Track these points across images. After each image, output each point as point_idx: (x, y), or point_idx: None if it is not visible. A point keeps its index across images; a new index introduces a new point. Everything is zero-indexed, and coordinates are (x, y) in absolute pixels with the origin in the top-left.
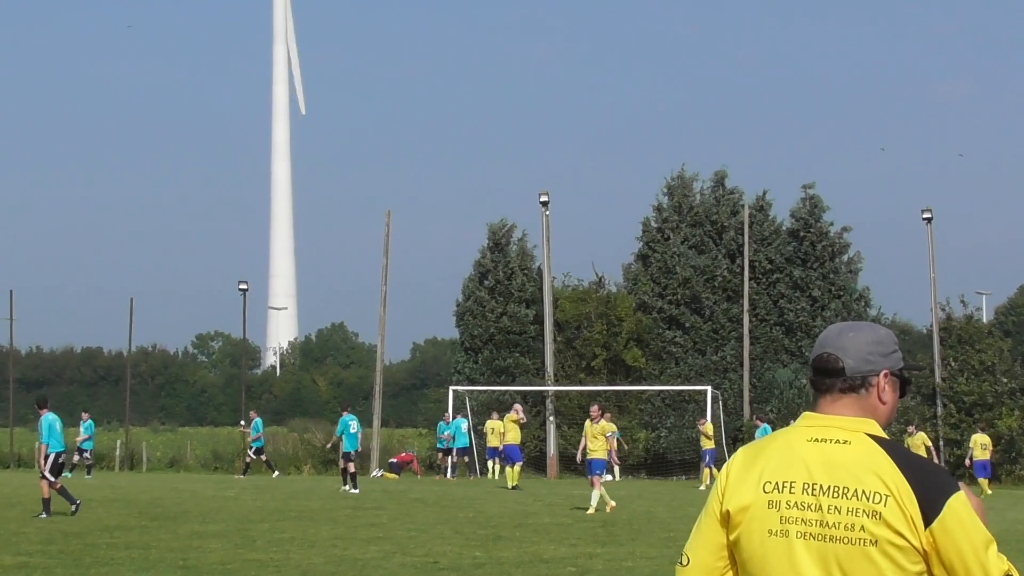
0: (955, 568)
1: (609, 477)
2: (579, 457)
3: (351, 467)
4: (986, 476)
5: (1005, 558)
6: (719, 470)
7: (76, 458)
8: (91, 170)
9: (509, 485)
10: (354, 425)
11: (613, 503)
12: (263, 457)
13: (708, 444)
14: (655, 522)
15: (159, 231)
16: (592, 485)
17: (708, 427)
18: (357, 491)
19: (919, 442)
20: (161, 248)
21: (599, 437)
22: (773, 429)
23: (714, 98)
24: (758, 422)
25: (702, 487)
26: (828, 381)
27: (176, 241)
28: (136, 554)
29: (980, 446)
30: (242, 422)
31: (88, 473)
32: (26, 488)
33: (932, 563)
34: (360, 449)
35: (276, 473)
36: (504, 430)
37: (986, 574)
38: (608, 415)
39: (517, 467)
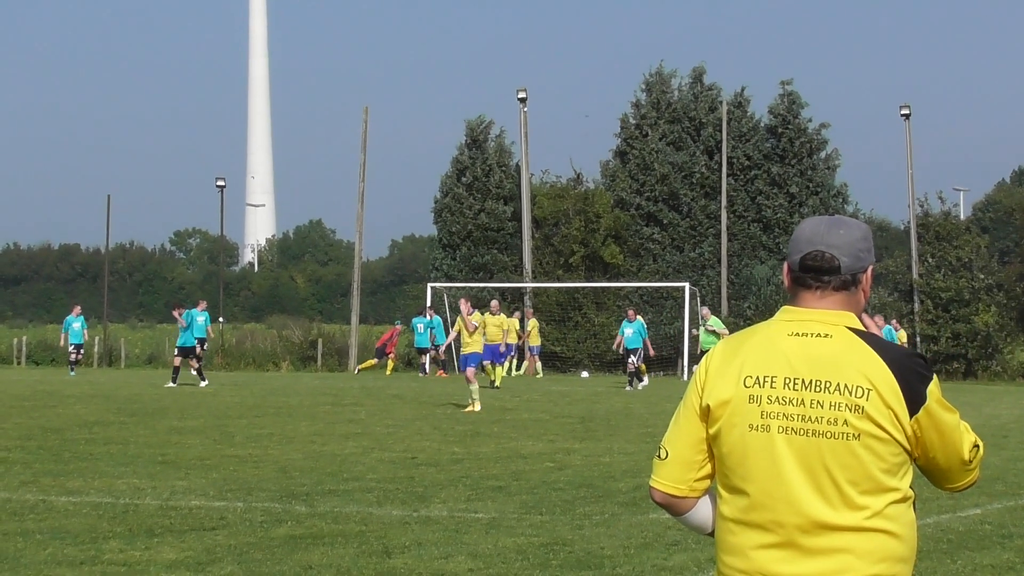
0: (936, 450)
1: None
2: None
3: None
4: None
5: (969, 427)
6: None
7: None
8: (69, 66)
9: (497, 383)
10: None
11: (477, 407)
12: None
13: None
14: (632, 417)
15: (137, 128)
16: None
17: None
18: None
19: (901, 338)
20: (138, 145)
21: (474, 333)
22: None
23: None
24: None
25: None
26: (824, 279)
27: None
28: (115, 449)
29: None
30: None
31: (72, 370)
32: (4, 384)
33: (913, 448)
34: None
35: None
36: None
37: (961, 449)
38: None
39: (500, 367)
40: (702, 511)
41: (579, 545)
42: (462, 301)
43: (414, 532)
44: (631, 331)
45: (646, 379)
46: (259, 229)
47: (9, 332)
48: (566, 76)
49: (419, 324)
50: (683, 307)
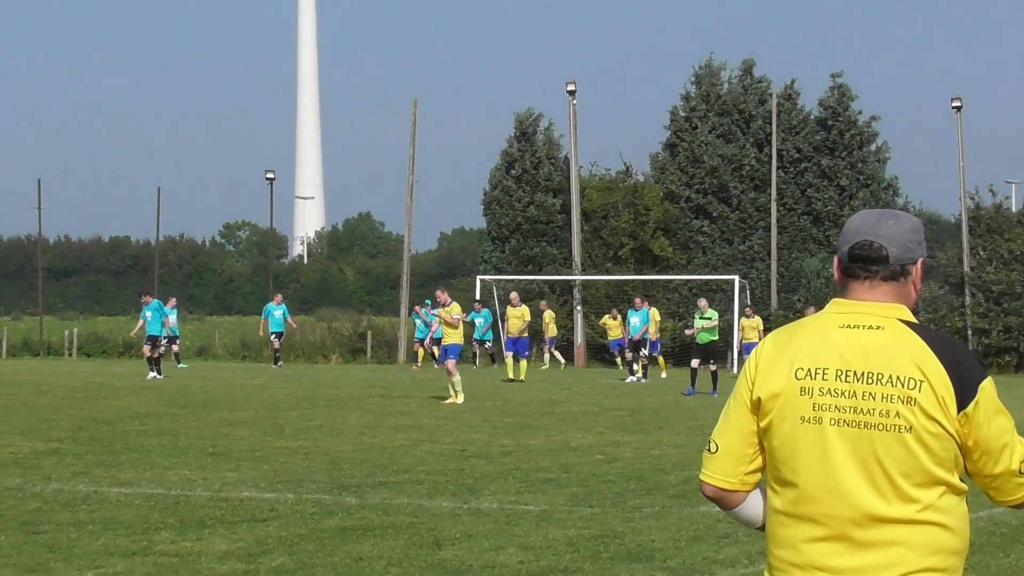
0: (983, 451)
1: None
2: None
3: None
4: None
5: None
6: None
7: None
8: (121, 59)
9: (521, 377)
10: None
11: (460, 399)
12: (174, 347)
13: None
14: (682, 411)
15: (187, 121)
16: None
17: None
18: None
19: (754, 325)
20: (188, 138)
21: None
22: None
23: None
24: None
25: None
26: (872, 269)
27: (203, 131)
28: (166, 441)
29: (751, 328)
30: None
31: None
32: (56, 376)
33: (962, 446)
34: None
35: (182, 365)
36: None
37: (1012, 456)
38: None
39: (524, 362)
40: (752, 505)
41: (630, 538)
42: (439, 291)
43: (464, 524)
44: (637, 320)
45: (638, 374)
46: (308, 222)
47: (60, 324)
48: (615, 69)
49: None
50: (732, 300)
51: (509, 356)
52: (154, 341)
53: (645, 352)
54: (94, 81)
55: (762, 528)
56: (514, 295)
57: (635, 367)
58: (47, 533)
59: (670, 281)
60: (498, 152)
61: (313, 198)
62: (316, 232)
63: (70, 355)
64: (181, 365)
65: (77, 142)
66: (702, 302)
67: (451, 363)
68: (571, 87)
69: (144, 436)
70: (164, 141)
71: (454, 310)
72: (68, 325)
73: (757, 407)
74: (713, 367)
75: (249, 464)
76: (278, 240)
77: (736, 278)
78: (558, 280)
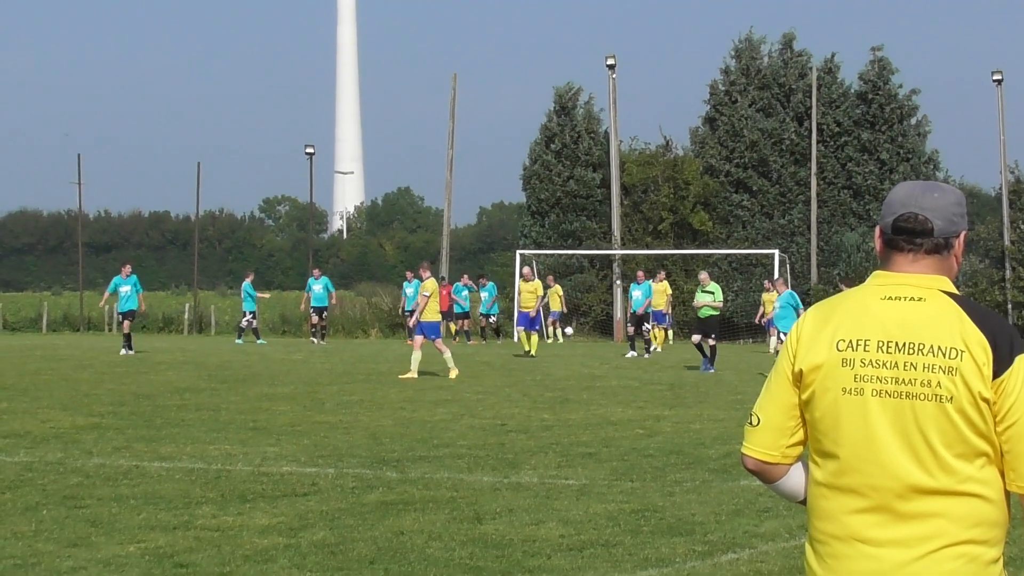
0: (1012, 422)
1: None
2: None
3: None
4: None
5: None
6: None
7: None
8: (159, 34)
9: (532, 352)
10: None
11: (413, 374)
12: (254, 323)
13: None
14: (722, 385)
15: (227, 96)
16: (416, 347)
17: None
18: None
19: (662, 289)
20: (228, 112)
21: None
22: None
23: None
24: None
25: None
26: (916, 242)
27: (243, 105)
28: (206, 416)
29: (769, 303)
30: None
31: (239, 337)
32: (96, 351)
33: (994, 415)
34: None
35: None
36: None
37: None
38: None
39: (534, 335)
40: (794, 478)
41: (670, 512)
42: (422, 266)
43: (505, 498)
44: (639, 293)
45: (635, 350)
46: (348, 196)
47: (100, 299)
48: (655, 43)
49: (482, 293)
50: (773, 274)
51: (521, 331)
52: (130, 316)
53: (648, 327)
54: (134, 56)
55: (803, 502)
56: (527, 270)
57: (638, 343)
58: (89, 507)
59: (710, 255)
60: (538, 126)
61: (352, 173)
62: (356, 207)
63: (110, 330)
64: (260, 341)
65: (117, 117)
66: (703, 275)
67: (439, 343)
68: (611, 61)
69: (185, 411)
70: (204, 115)
71: (427, 286)
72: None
73: (799, 379)
74: (712, 342)
75: (290, 439)
76: (318, 215)
77: (776, 252)
78: (598, 255)
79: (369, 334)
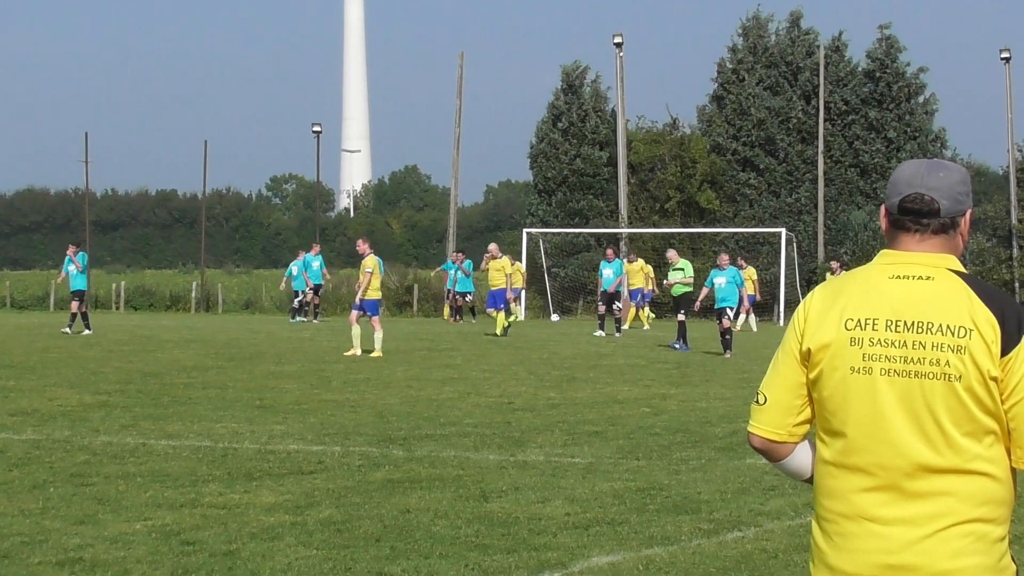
0: (1015, 400)
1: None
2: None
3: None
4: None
5: None
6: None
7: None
8: (167, 12)
9: (497, 331)
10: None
11: (356, 351)
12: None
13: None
14: (728, 363)
15: (234, 74)
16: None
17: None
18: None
19: (638, 268)
20: (235, 91)
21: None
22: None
23: None
24: None
25: (646, 327)
26: (923, 221)
27: (250, 84)
28: (213, 394)
29: (750, 280)
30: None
31: (305, 317)
32: (104, 329)
33: (1001, 392)
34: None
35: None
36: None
37: None
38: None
39: (501, 314)
40: (800, 457)
41: (676, 490)
42: (360, 240)
43: (511, 476)
44: (610, 272)
45: (603, 329)
46: (355, 175)
47: (107, 277)
48: (662, 21)
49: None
50: (779, 253)
51: (492, 311)
52: (80, 296)
53: (618, 305)
54: (141, 34)
55: (809, 480)
56: (493, 246)
57: (608, 321)
58: (96, 485)
59: (717, 234)
60: (545, 105)
61: (360, 151)
62: (363, 185)
63: (117, 308)
64: (316, 320)
65: (124, 96)
66: (670, 253)
67: (354, 315)
68: (618, 39)
69: (191, 389)
70: (211, 94)
71: (368, 263)
72: (115, 278)
73: (806, 358)
74: (681, 318)
75: (296, 417)
76: (325, 193)
77: (783, 231)
78: (604, 233)
79: None
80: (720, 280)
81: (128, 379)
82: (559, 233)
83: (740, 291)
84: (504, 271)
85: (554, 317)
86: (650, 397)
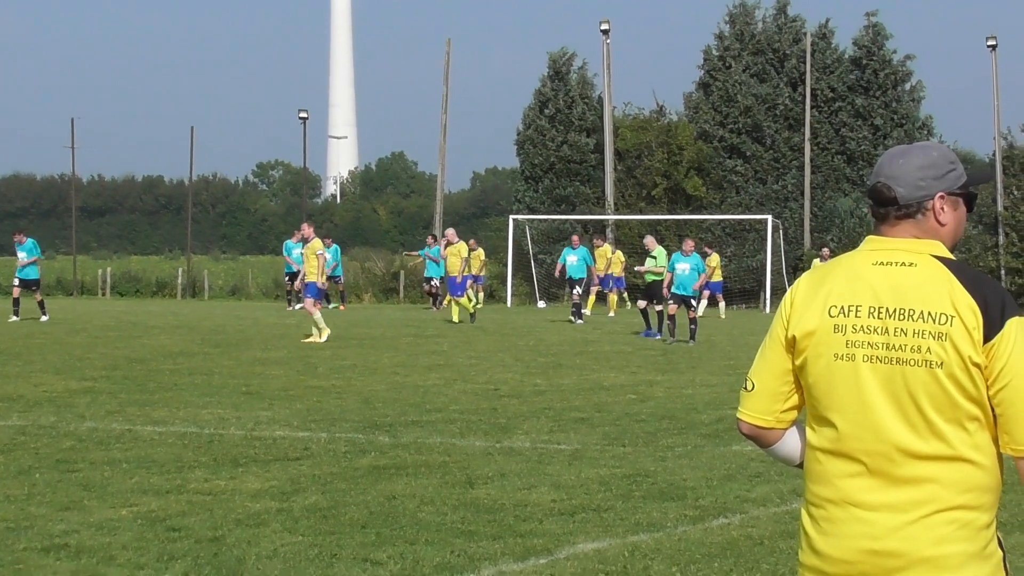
0: (1003, 385)
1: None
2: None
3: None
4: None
5: None
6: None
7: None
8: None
9: (454, 318)
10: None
11: (318, 338)
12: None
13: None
14: (715, 350)
15: (220, 60)
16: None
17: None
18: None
19: (602, 253)
20: (221, 77)
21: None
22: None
23: None
24: None
25: (611, 313)
26: (883, 210)
27: (236, 70)
28: (199, 380)
29: (714, 267)
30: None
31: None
32: (90, 315)
33: (985, 379)
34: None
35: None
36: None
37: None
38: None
39: (464, 299)
40: (789, 443)
41: (662, 476)
42: (305, 224)
43: (497, 463)
44: (574, 258)
45: (587, 313)
46: (341, 161)
47: (94, 263)
48: (649, 8)
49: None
50: (766, 240)
51: (451, 299)
52: (26, 285)
53: (578, 291)
54: (128, 20)
55: (800, 466)
56: (450, 231)
57: (582, 315)
58: (81, 471)
59: (703, 221)
60: (531, 91)
61: (346, 137)
62: (349, 171)
63: (103, 294)
64: (332, 306)
65: (111, 81)
66: (647, 240)
67: (309, 302)
68: (605, 26)
69: (178, 375)
70: (198, 80)
71: (316, 245)
72: (101, 264)
73: (792, 345)
74: (659, 308)
75: (282, 403)
76: (311, 179)
77: (769, 218)
78: (591, 220)
79: (362, 299)
80: (683, 266)
81: (114, 365)
82: (546, 220)
83: (701, 277)
84: (460, 255)
85: (540, 304)
86: (636, 384)
